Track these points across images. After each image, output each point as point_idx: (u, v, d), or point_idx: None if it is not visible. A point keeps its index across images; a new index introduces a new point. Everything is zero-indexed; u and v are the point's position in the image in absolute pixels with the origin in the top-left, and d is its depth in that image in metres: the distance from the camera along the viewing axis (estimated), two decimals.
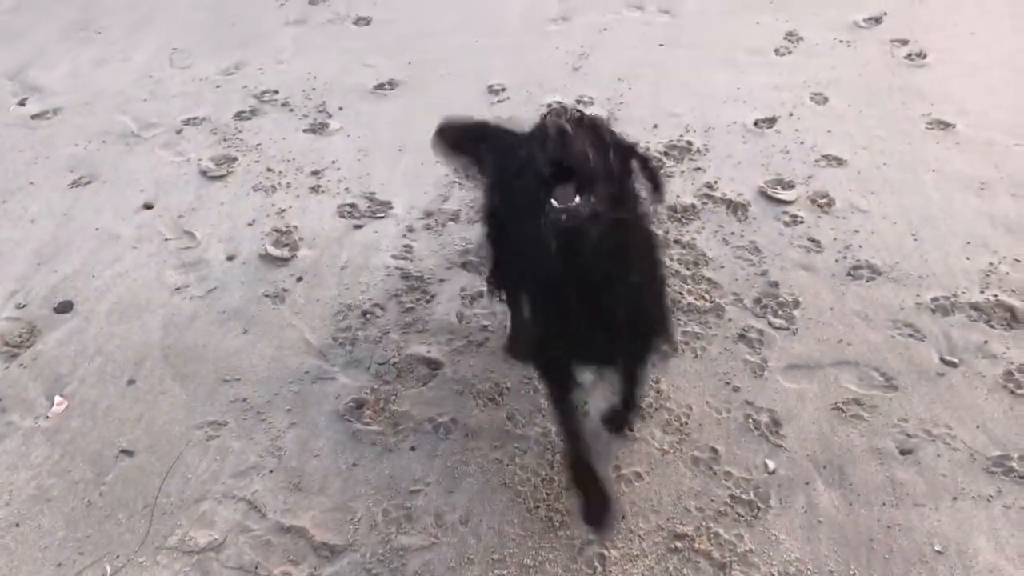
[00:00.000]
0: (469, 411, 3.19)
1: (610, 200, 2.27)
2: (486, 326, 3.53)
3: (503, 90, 5.09)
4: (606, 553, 2.72)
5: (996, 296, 3.60)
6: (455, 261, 3.86)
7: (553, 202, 2.21)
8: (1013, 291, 3.62)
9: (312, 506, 2.88)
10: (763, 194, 4.22)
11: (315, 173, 4.47)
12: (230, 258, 3.96)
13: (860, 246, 3.90)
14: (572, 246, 2.29)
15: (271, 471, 3.01)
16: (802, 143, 4.54)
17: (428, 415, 3.18)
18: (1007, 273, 3.70)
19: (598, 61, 5.35)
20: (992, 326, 3.47)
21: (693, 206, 4.17)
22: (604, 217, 2.25)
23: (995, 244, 3.85)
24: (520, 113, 4.82)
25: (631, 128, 4.68)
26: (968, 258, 3.79)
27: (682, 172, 4.40)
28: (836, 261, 3.83)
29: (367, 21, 6.07)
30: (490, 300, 3.49)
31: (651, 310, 2.63)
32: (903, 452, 3.03)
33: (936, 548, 2.72)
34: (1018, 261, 3.75)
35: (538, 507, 2.86)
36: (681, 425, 3.13)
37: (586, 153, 2.21)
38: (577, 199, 2.20)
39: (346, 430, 3.13)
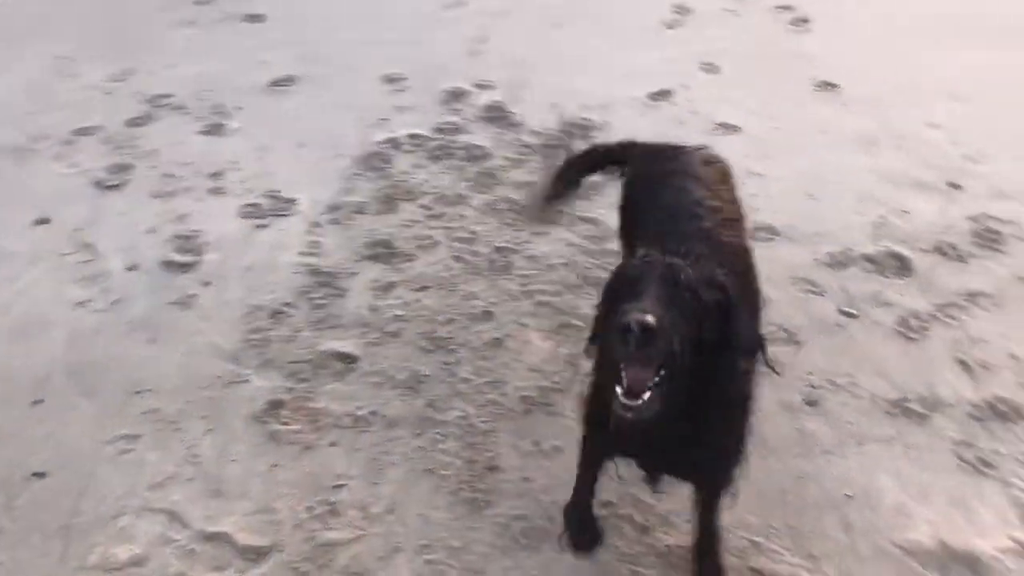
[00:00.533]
0: (388, 402, 3.19)
1: (689, 380, 2.04)
2: (400, 316, 3.53)
3: (402, 79, 5.07)
4: (530, 527, 2.76)
5: (887, 247, 3.77)
6: (364, 253, 3.84)
7: (619, 393, 2.01)
8: (902, 241, 3.79)
9: (234, 511, 2.84)
10: None
11: (215, 175, 4.39)
12: (132, 268, 3.86)
13: (758, 209, 4.01)
14: (633, 434, 2.15)
15: (190, 479, 2.96)
16: (697, 113, 4.65)
17: (347, 410, 3.16)
18: (896, 224, 3.87)
19: (496, 44, 5.38)
20: (885, 276, 3.63)
21: (595, 183, 4.21)
22: (676, 404, 2.05)
23: (884, 197, 4.02)
24: (421, 101, 4.84)
25: (532, 109, 4.74)
26: (859, 213, 3.95)
27: None
28: None
29: (259, 18, 5.97)
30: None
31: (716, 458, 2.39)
32: (809, 403, 3.15)
33: (846, 493, 2.84)
34: (905, 212, 3.93)
35: (462, 489, 2.88)
36: None
37: (669, 343, 1.95)
38: (647, 395, 1.99)
39: (264, 432, 3.09)
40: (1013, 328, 3.38)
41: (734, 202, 2.78)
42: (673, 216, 2.59)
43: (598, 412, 2.30)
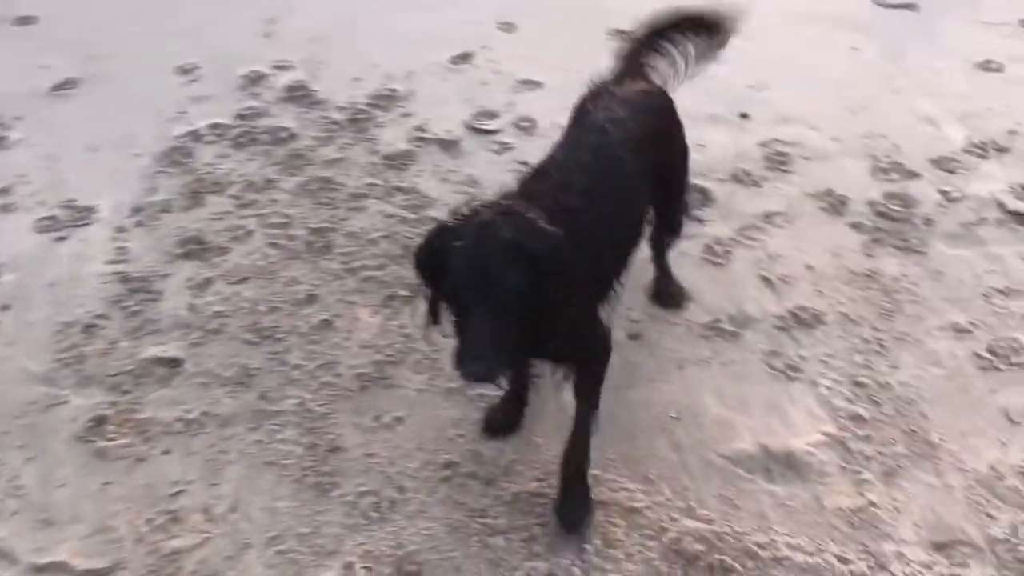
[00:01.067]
0: (219, 400, 3.11)
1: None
2: (221, 311, 3.43)
3: (195, 69, 4.86)
4: (378, 501, 2.78)
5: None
6: (175, 252, 3.70)
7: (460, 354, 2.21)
8: (703, 174, 3.98)
9: (67, 537, 2.71)
10: (471, 128, 4.36)
11: (2, 192, 4.10)
12: None
13: None
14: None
15: (14, 513, 2.79)
16: (499, 73, 4.72)
17: (176, 415, 3.06)
18: (696, 158, 4.04)
19: (290, 24, 5.24)
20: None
21: (408, 151, 4.23)
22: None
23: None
24: (218, 90, 4.67)
25: (335, 85, 4.67)
26: None
27: (392, 120, 4.45)
28: None
29: (30, 20, 5.55)
30: None
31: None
32: (631, 337, 3.29)
33: (672, 415, 3.01)
34: (702, 146, 4.12)
35: (306, 475, 2.86)
36: (432, 362, 3.22)
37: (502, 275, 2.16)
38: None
39: (90, 451, 2.95)
40: (805, 241, 3.65)
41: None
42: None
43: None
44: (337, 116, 4.47)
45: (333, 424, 3.02)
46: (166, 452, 2.95)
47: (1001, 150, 4.03)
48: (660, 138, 2.98)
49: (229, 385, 3.17)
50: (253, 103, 4.57)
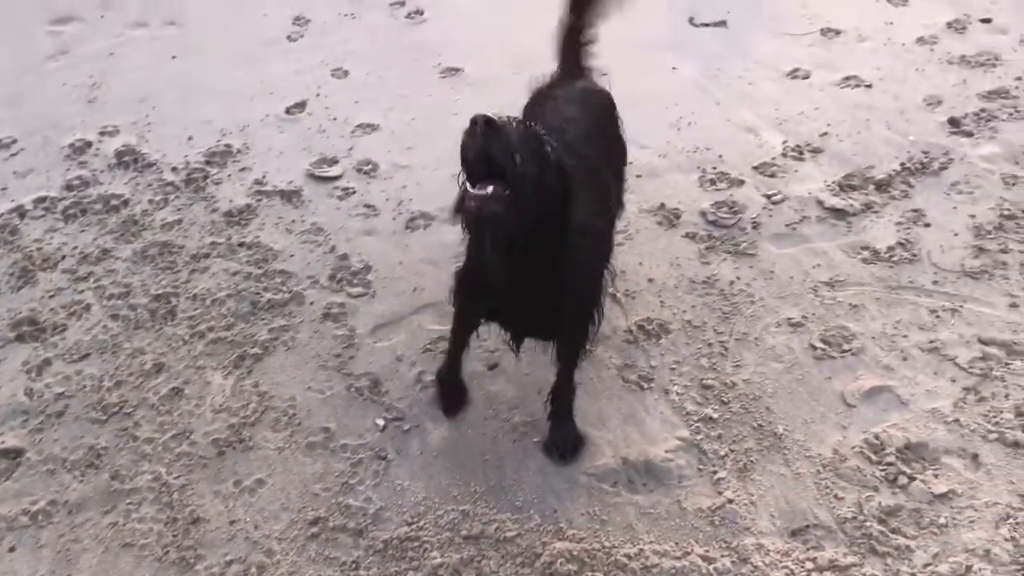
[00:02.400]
0: (67, 487, 2.96)
1: (533, 198, 2.28)
2: (62, 393, 3.27)
3: (14, 142, 4.64)
4: (246, 568, 2.70)
5: None
6: (7, 336, 3.51)
7: (468, 187, 2.29)
8: None
9: None
10: (312, 176, 4.33)
11: None
12: None
13: (411, 199, 4.17)
14: (482, 233, 2.44)
15: None
16: (335, 119, 4.71)
17: (21, 508, 2.89)
18: None
19: (113, 87, 5.08)
20: None
21: (248, 206, 4.16)
22: (522, 211, 2.26)
23: None
24: (41, 162, 4.47)
25: (167, 146, 4.55)
26: None
27: (229, 176, 4.36)
28: (394, 219, 4.06)
29: None
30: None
31: (568, 315, 2.74)
32: (490, 368, 3.34)
33: (535, 440, 3.06)
34: None
35: (167, 552, 2.75)
36: (290, 419, 3.17)
37: (509, 145, 2.23)
38: (491, 188, 2.24)
39: None
40: (646, 256, 3.79)
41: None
42: None
43: (470, 284, 2.77)
44: (171, 177, 4.36)
45: (192, 495, 2.93)
46: (12, 549, 2.79)
47: (816, 151, 4.31)
48: (608, 131, 3.22)
49: (77, 469, 3.02)
50: (81, 172, 4.40)
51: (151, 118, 4.79)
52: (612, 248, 3.07)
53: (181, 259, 3.87)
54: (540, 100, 3.21)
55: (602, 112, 3.25)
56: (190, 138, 4.62)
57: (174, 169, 4.42)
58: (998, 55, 4.88)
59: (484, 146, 2.24)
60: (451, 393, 3.19)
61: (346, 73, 5.08)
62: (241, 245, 3.94)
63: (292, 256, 3.88)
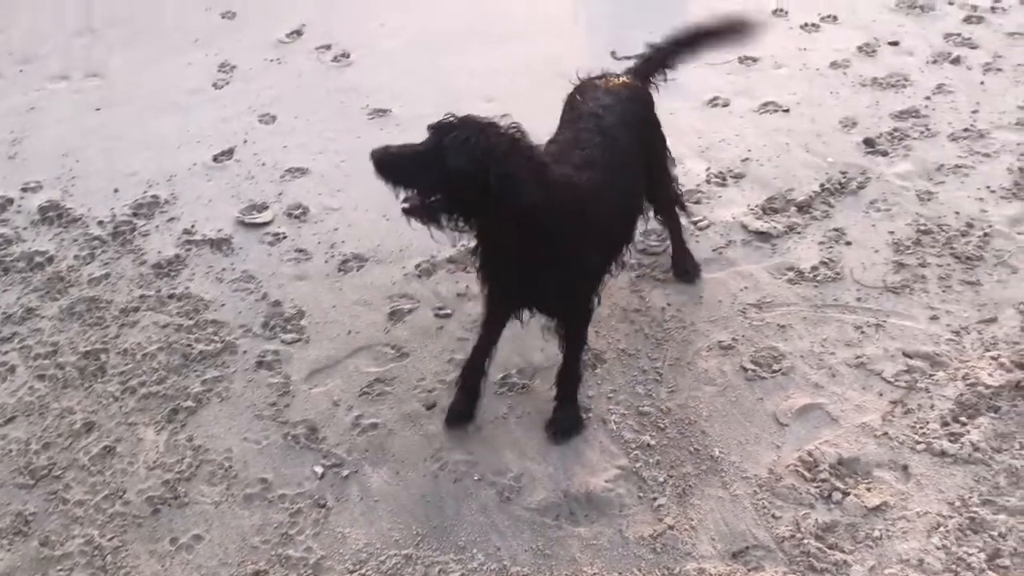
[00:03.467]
0: None
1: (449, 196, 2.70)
2: None
3: None
4: None
5: (464, 245, 4.07)
6: None
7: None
8: None
9: None
10: (241, 223, 4.30)
11: None
12: None
13: (343, 241, 4.16)
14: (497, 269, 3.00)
15: None
16: (264, 164, 4.69)
17: None
18: None
19: (35, 142, 4.99)
20: (467, 270, 3.92)
21: (178, 256, 4.12)
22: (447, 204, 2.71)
23: None
24: None
25: (92, 200, 4.48)
26: None
27: (157, 227, 4.31)
28: (326, 262, 4.05)
29: None
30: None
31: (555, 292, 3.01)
32: (428, 407, 3.33)
33: (476, 477, 3.06)
34: None
35: None
36: (226, 471, 3.12)
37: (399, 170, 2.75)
38: (412, 200, 2.75)
39: None
40: None
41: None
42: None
43: (488, 270, 3.03)
44: (98, 231, 4.29)
45: (126, 556, 2.86)
46: None
47: (738, 176, 4.41)
48: (644, 122, 3.46)
49: (4, 537, 2.93)
50: (2, 230, 4.31)
51: (75, 172, 4.72)
52: (632, 222, 3.34)
53: (110, 314, 3.80)
54: (585, 89, 3.44)
55: (639, 104, 3.46)
56: (116, 190, 4.56)
57: (100, 223, 4.35)
58: (907, 76, 5.07)
59: (383, 175, 2.76)
60: (463, 399, 3.26)
61: (273, 118, 5.07)
62: (171, 297, 3.89)
63: (223, 305, 3.84)
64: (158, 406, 3.38)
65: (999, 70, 5.06)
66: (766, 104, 4.93)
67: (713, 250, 3.98)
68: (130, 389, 3.45)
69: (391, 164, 2.76)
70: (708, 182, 4.39)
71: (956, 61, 5.16)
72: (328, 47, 5.71)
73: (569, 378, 3.23)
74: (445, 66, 5.46)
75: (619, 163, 3.14)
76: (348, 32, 5.85)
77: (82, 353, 3.61)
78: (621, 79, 3.53)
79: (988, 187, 4.22)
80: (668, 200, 3.73)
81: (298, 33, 5.88)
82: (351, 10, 6.14)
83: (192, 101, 5.27)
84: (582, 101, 3.36)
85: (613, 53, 5.47)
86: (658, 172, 3.61)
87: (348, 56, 5.62)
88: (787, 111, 4.87)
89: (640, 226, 4.10)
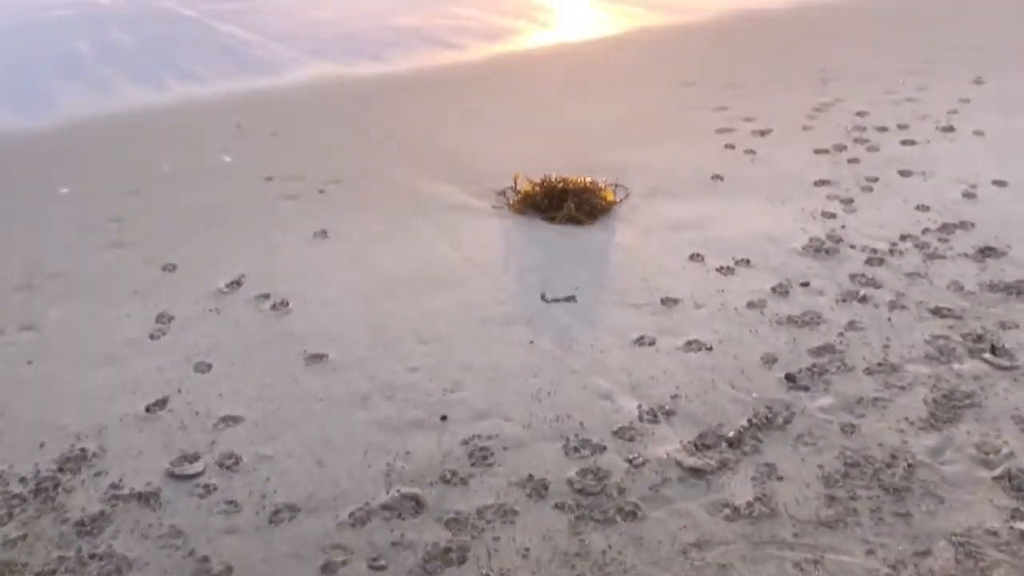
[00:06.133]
0: None
1: None
2: None
3: None
4: None
5: (400, 491, 4.04)
6: None
7: None
8: (412, 481, 4.09)
9: None
10: (171, 475, 4.20)
11: None
12: None
13: (275, 491, 4.08)
14: None
15: None
16: (197, 413, 4.66)
17: None
18: (402, 467, 4.18)
19: None
20: (402, 518, 3.86)
21: (103, 512, 3.97)
22: None
23: (387, 445, 4.34)
24: None
25: (15, 455, 4.36)
26: (369, 466, 4.20)
27: (83, 482, 4.18)
28: (256, 514, 3.95)
29: None
30: None
31: None
32: None
33: None
34: (408, 452, 4.27)
35: None
36: None
37: None
38: None
39: None
40: (517, 530, 3.78)
41: None
42: None
43: None
44: (18, 489, 4.14)
45: None
46: None
47: (669, 413, 4.53)
48: None
49: None
50: None
51: (0, 428, 4.62)
52: None
53: None
54: None
55: None
56: (42, 445, 4.45)
57: (22, 479, 4.21)
58: (820, 314, 5.39)
59: None
60: None
61: (209, 367, 5.09)
62: (92, 557, 3.72)
63: (147, 564, 3.67)
64: None
65: (903, 307, 5.42)
66: (690, 343, 5.16)
67: (650, 488, 4.01)
68: None
69: None
70: (640, 419, 4.49)
71: (863, 300, 5.53)
72: (267, 296, 5.87)
73: None
74: (381, 311, 5.63)
75: None
76: (287, 281, 6.05)
77: None
78: None
79: (907, 418, 4.40)
80: None
81: (237, 283, 6.05)
82: (291, 260, 6.37)
83: (127, 352, 5.29)
84: None
85: (543, 296, 5.73)
86: None
87: (287, 304, 5.77)
88: (710, 349, 5.09)
89: (576, 465, 4.16)
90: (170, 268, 6.31)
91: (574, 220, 6.69)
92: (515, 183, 7.00)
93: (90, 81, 9.14)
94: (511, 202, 6.96)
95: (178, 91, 8.98)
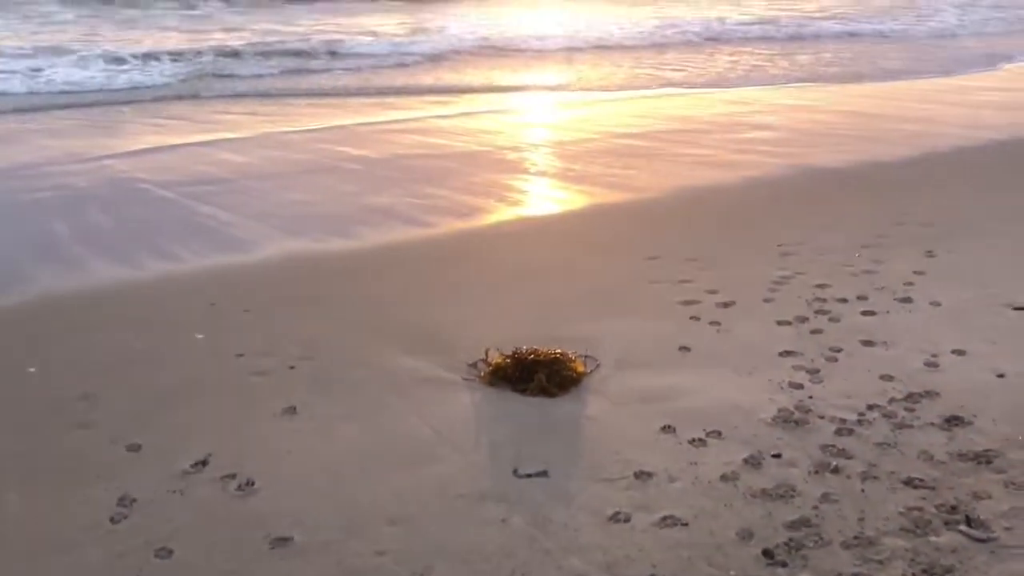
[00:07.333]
0: None
1: None
2: None
3: None
4: None
5: None
6: None
7: None
8: None
9: None
10: None
11: None
12: None
13: None
14: None
15: None
16: None
17: None
18: None
19: None
20: None
21: None
22: None
23: None
24: None
25: None
26: None
27: None
28: None
29: None
30: None
31: None
32: None
33: None
34: None
35: None
36: None
37: None
38: None
39: None
40: None
41: None
42: None
43: None
44: None
45: None
46: None
47: None
48: None
49: None
50: None
51: None
52: None
53: None
54: None
55: None
56: None
57: None
58: (793, 486, 5.36)
59: None
60: None
61: (171, 552, 4.92)
62: None
63: None
64: None
65: (876, 478, 5.41)
66: (665, 518, 5.08)
67: None
68: None
69: None
70: None
71: (836, 471, 5.52)
72: (233, 476, 5.74)
73: None
74: (350, 490, 5.52)
75: None
76: (254, 460, 5.94)
77: None
78: None
79: None
80: None
81: (203, 463, 5.92)
82: (259, 438, 6.28)
83: (86, 538, 5.10)
84: None
85: (515, 471, 5.66)
86: None
87: (252, 484, 5.64)
88: (686, 524, 5.01)
89: None
90: (134, 448, 6.18)
91: (545, 392, 6.70)
92: (486, 355, 7.06)
93: (65, 261, 9.27)
94: (482, 374, 6.99)
95: (154, 269, 9.11)
